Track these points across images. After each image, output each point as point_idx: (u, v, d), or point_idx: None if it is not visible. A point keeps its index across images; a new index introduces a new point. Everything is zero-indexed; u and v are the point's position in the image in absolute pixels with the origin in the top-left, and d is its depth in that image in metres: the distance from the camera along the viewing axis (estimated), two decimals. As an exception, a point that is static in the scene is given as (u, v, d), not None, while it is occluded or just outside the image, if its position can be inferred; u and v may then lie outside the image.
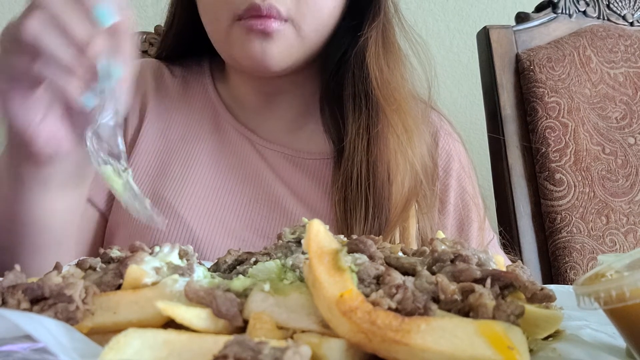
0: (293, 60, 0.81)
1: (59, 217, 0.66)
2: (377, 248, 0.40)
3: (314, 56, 0.85)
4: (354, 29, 0.86)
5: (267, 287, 0.35)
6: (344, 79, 0.85)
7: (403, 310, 0.33)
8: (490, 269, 0.38)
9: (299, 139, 0.90)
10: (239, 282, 0.36)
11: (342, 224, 0.77)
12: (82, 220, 0.81)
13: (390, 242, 0.75)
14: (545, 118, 1.16)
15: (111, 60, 0.54)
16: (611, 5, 1.30)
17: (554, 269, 1.11)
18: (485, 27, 1.25)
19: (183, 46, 0.95)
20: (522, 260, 1.08)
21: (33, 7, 0.52)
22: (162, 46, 0.98)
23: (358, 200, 0.78)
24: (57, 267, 0.41)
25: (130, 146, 0.89)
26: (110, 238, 0.85)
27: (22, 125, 0.57)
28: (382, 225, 0.77)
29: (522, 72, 1.20)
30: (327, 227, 0.39)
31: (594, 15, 1.29)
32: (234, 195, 0.84)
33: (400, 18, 0.89)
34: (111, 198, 0.86)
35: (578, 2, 1.28)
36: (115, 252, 0.44)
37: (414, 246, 0.76)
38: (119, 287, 0.37)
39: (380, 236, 0.73)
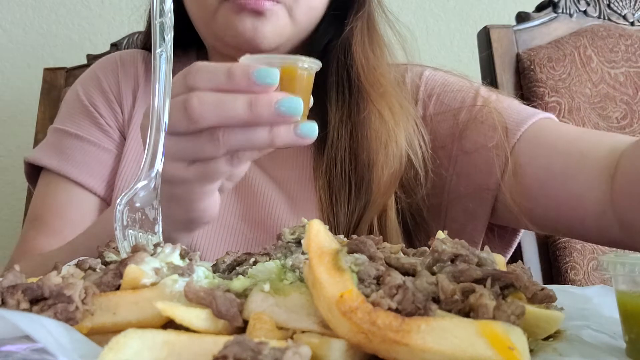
0: (283, 41, 0.81)
1: None
2: (377, 248, 0.40)
3: (301, 43, 0.86)
4: (338, 19, 0.87)
5: (267, 287, 0.35)
6: (327, 67, 0.86)
7: (403, 311, 0.32)
8: (491, 269, 0.38)
9: None
10: (238, 283, 0.36)
11: (327, 208, 0.79)
12: (81, 209, 0.83)
13: (370, 224, 0.77)
14: (545, 118, 1.16)
15: None
16: (612, 5, 1.30)
17: (554, 269, 1.11)
18: (485, 27, 1.24)
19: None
20: (522, 260, 1.08)
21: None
22: (147, 38, 0.99)
23: (342, 184, 0.79)
24: (56, 267, 0.41)
25: (127, 125, 0.91)
26: None
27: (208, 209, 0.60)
28: (364, 207, 0.77)
29: (522, 72, 1.20)
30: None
31: (595, 15, 1.29)
32: None
33: (384, 9, 0.91)
34: (110, 183, 0.88)
35: (579, 1, 1.28)
36: (110, 257, 0.44)
37: (393, 227, 0.77)
38: (118, 287, 0.37)
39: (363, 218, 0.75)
